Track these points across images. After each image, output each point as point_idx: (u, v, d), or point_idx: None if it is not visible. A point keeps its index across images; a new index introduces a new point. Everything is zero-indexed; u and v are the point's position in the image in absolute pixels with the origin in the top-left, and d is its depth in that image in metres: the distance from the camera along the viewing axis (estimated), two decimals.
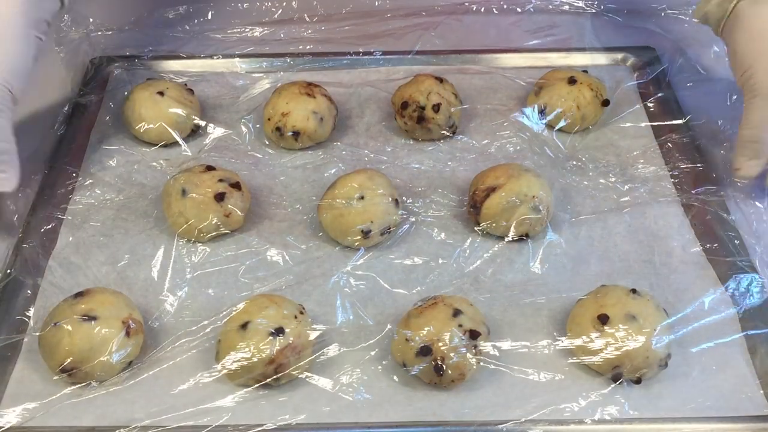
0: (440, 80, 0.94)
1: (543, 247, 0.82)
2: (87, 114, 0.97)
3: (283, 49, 1.06)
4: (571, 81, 0.94)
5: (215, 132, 0.95)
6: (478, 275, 0.80)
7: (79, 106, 0.97)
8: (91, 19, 1.06)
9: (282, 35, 1.08)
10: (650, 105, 0.98)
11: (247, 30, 1.09)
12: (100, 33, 1.06)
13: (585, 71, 0.98)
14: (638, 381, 0.69)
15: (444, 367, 0.68)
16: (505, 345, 0.73)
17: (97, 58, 1.04)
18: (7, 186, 0.78)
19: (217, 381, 0.70)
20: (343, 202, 0.80)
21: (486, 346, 0.70)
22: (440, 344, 0.68)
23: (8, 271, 0.78)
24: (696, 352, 0.72)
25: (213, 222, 0.81)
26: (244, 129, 0.95)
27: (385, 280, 0.79)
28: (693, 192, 0.86)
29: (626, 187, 0.88)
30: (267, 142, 0.94)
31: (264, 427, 0.66)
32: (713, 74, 1.01)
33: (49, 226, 0.83)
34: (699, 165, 0.89)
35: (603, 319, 0.70)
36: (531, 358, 0.72)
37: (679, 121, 0.95)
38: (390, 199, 0.81)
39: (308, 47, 1.06)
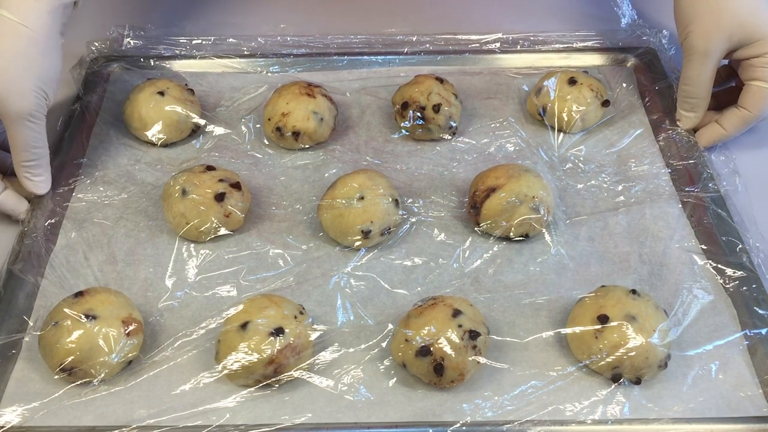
0: (440, 80, 0.94)
1: (543, 247, 0.82)
2: (87, 114, 0.97)
3: (283, 49, 1.06)
4: (572, 82, 0.94)
5: (215, 132, 0.95)
6: (478, 275, 0.80)
7: (80, 105, 0.97)
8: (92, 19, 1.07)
9: (283, 34, 1.08)
10: (650, 105, 0.98)
11: (247, 30, 1.09)
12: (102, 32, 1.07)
13: (585, 72, 0.98)
14: (638, 381, 0.69)
15: (444, 367, 0.68)
16: (505, 345, 0.73)
17: (97, 58, 1.04)
18: (43, 189, 0.85)
19: (217, 381, 0.70)
20: (343, 202, 0.80)
21: (486, 346, 0.70)
22: (440, 344, 0.68)
23: (9, 269, 0.78)
24: (696, 352, 0.72)
25: (213, 222, 0.81)
26: (244, 129, 0.95)
27: (385, 281, 0.79)
28: (692, 191, 0.87)
29: (624, 186, 0.88)
30: (267, 142, 0.94)
31: (264, 428, 0.66)
32: None
33: (50, 226, 0.83)
34: (698, 164, 0.89)
35: (603, 320, 0.70)
36: (531, 359, 0.72)
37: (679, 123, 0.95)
38: (390, 199, 0.81)
39: (309, 44, 1.07)
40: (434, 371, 0.68)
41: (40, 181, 0.84)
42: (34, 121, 0.80)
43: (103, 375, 0.69)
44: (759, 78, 0.86)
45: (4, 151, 0.86)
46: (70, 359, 0.68)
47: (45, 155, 0.84)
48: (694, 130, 0.93)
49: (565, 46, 1.06)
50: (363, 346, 0.73)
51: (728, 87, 0.95)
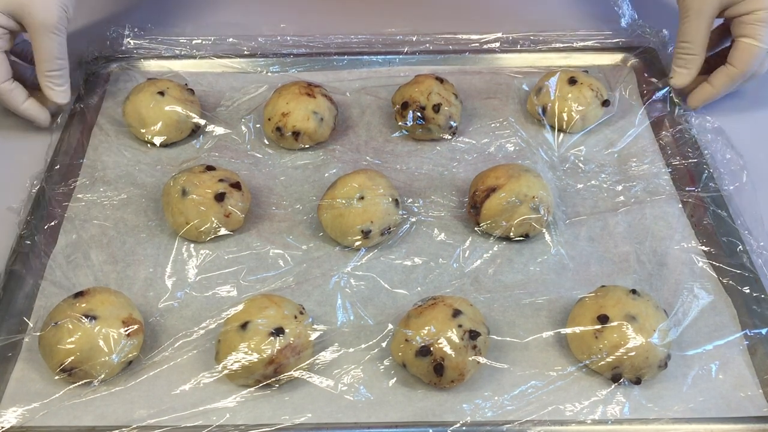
0: (440, 80, 0.94)
1: (543, 247, 0.82)
2: (87, 114, 0.97)
3: (283, 49, 1.06)
4: (572, 81, 0.94)
5: (215, 132, 0.95)
6: (478, 275, 0.80)
7: (80, 105, 0.97)
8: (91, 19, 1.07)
9: (283, 34, 1.08)
10: (650, 105, 0.98)
11: (247, 30, 1.09)
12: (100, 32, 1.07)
13: (585, 71, 0.98)
14: (638, 381, 0.69)
15: (444, 367, 0.68)
16: (505, 345, 0.73)
17: (97, 58, 1.04)
18: (64, 98, 0.92)
19: (217, 381, 0.70)
20: (343, 202, 0.80)
21: (486, 346, 0.70)
22: (440, 344, 0.68)
23: (9, 270, 0.78)
24: (696, 352, 0.72)
25: (213, 222, 0.81)
26: (244, 129, 0.95)
27: (385, 281, 0.79)
28: (693, 191, 0.87)
29: (625, 186, 0.88)
30: (267, 142, 0.94)
31: (264, 428, 0.66)
32: None
33: (50, 226, 0.83)
34: (698, 164, 0.89)
35: (603, 320, 0.70)
36: (531, 359, 0.72)
37: (680, 122, 0.95)
38: (390, 199, 0.81)
39: (308, 44, 1.07)
40: (434, 371, 0.68)
41: (61, 91, 0.92)
42: (57, 33, 0.88)
43: (103, 375, 0.69)
44: (747, 35, 0.89)
45: (24, 63, 0.94)
46: (70, 360, 0.68)
47: (66, 66, 0.92)
48: (685, 95, 0.96)
49: (565, 45, 1.06)
50: (363, 346, 0.73)
51: (719, 51, 0.98)
